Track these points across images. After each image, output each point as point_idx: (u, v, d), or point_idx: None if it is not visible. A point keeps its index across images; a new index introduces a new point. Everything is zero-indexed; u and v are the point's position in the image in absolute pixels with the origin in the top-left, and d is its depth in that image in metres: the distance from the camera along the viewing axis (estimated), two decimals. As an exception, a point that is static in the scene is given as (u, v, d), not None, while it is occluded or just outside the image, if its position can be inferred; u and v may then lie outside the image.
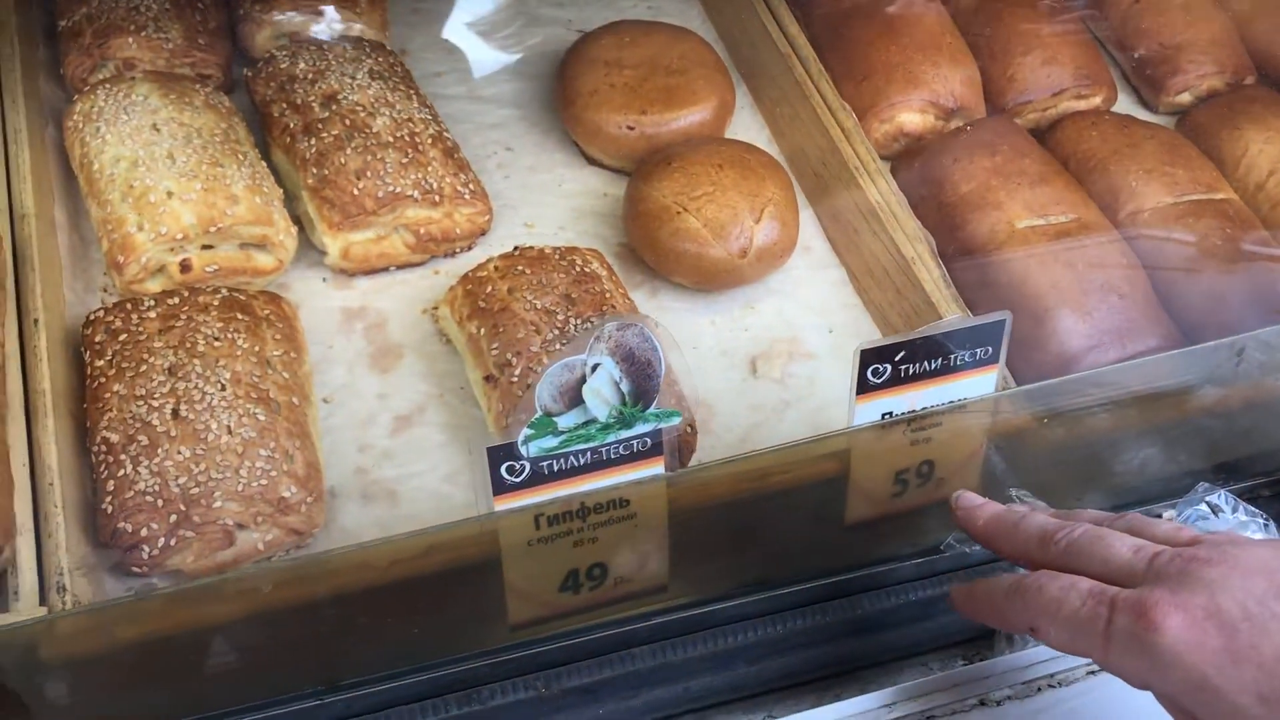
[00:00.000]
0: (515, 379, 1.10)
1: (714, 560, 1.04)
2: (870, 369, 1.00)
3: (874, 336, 1.27)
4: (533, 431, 0.92)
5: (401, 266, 1.27)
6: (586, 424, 0.94)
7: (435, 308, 1.23)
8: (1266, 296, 1.25)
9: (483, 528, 0.95)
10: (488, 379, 1.12)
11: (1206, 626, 0.75)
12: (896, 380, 1.01)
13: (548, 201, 1.36)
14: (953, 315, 1.08)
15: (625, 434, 0.95)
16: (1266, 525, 0.99)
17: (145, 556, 0.98)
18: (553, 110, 1.44)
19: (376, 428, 1.15)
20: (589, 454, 0.95)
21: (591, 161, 1.40)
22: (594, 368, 0.92)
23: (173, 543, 0.98)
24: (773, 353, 1.25)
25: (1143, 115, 1.49)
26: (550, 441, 0.93)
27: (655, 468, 0.98)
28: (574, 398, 0.93)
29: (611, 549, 0.99)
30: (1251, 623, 0.74)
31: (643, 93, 1.36)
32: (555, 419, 0.92)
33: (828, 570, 1.08)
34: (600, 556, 1.00)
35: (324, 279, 1.25)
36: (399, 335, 1.22)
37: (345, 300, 1.24)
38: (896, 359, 1.00)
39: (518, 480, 0.94)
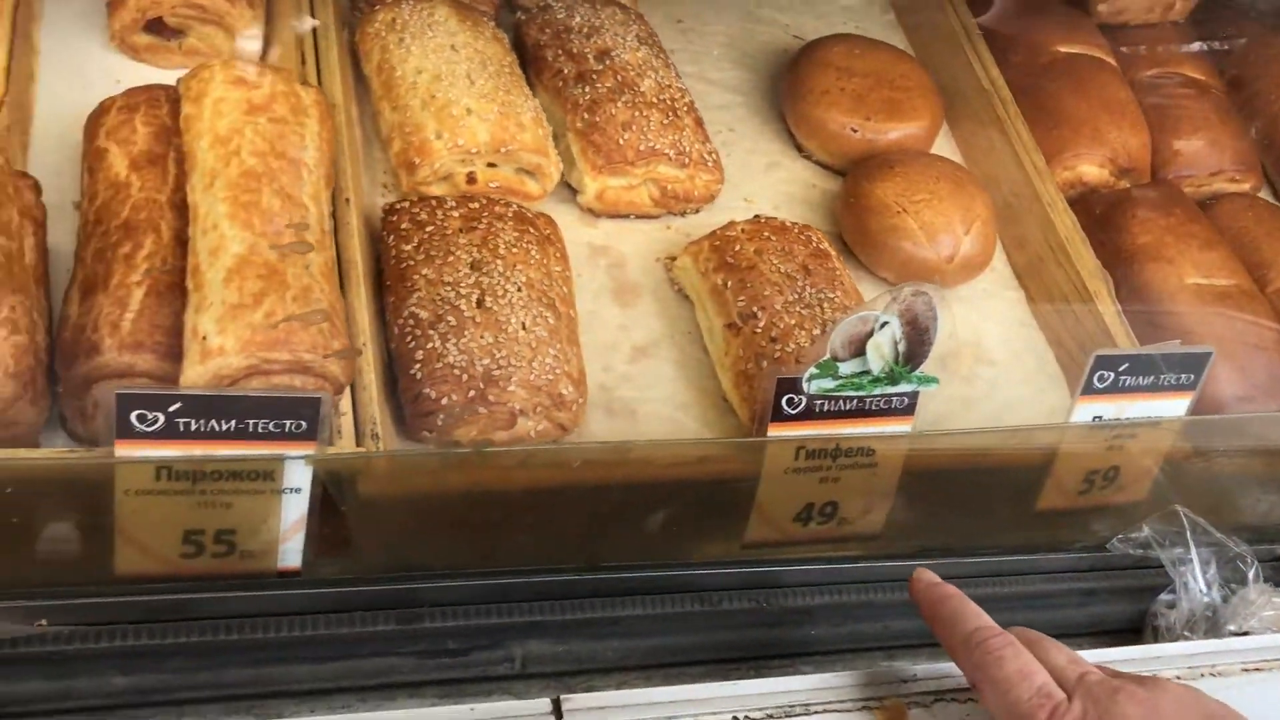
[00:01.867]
0: (759, 329, 1.22)
1: (924, 519, 1.17)
2: (1097, 374, 1.13)
3: (1047, 356, 1.41)
4: (817, 371, 1.05)
5: (640, 216, 1.39)
6: (860, 374, 1.06)
7: (673, 258, 1.34)
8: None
9: (753, 448, 1.07)
10: (729, 326, 1.24)
11: None
12: (1114, 389, 1.15)
13: (764, 184, 1.49)
14: (1171, 341, 1.21)
15: (889, 389, 1.08)
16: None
17: (439, 422, 1.08)
18: (772, 102, 1.57)
19: (617, 354, 1.26)
20: (855, 401, 1.07)
21: (804, 155, 1.53)
22: (883, 325, 1.04)
23: (466, 415, 1.08)
24: (960, 353, 1.38)
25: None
26: (829, 383, 1.05)
27: (904, 425, 1.10)
28: (858, 349, 1.05)
29: (848, 491, 1.12)
30: None
31: (869, 100, 1.49)
32: (838, 364, 1.05)
33: (1011, 548, 1.21)
34: (836, 496, 1.12)
35: (574, 215, 1.36)
36: (637, 276, 1.34)
37: (590, 237, 1.36)
38: (1120, 369, 1.14)
39: (794, 412, 1.06)
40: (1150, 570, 1.20)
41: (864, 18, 1.74)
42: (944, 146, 1.59)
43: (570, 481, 1.04)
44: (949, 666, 0.99)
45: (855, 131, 1.48)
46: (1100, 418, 1.16)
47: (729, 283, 1.25)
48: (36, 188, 1.08)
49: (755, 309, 1.23)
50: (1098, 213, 1.50)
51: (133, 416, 0.87)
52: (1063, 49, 1.65)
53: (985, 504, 1.19)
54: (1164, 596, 1.19)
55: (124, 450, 0.88)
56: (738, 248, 1.28)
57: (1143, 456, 1.21)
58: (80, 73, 1.28)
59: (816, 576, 1.14)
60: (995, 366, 1.38)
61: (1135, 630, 1.22)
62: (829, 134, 1.49)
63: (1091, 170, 1.56)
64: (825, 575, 1.14)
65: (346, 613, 0.99)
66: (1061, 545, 1.22)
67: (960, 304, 1.43)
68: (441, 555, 1.03)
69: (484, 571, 1.03)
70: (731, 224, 1.31)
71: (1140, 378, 1.15)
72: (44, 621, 0.92)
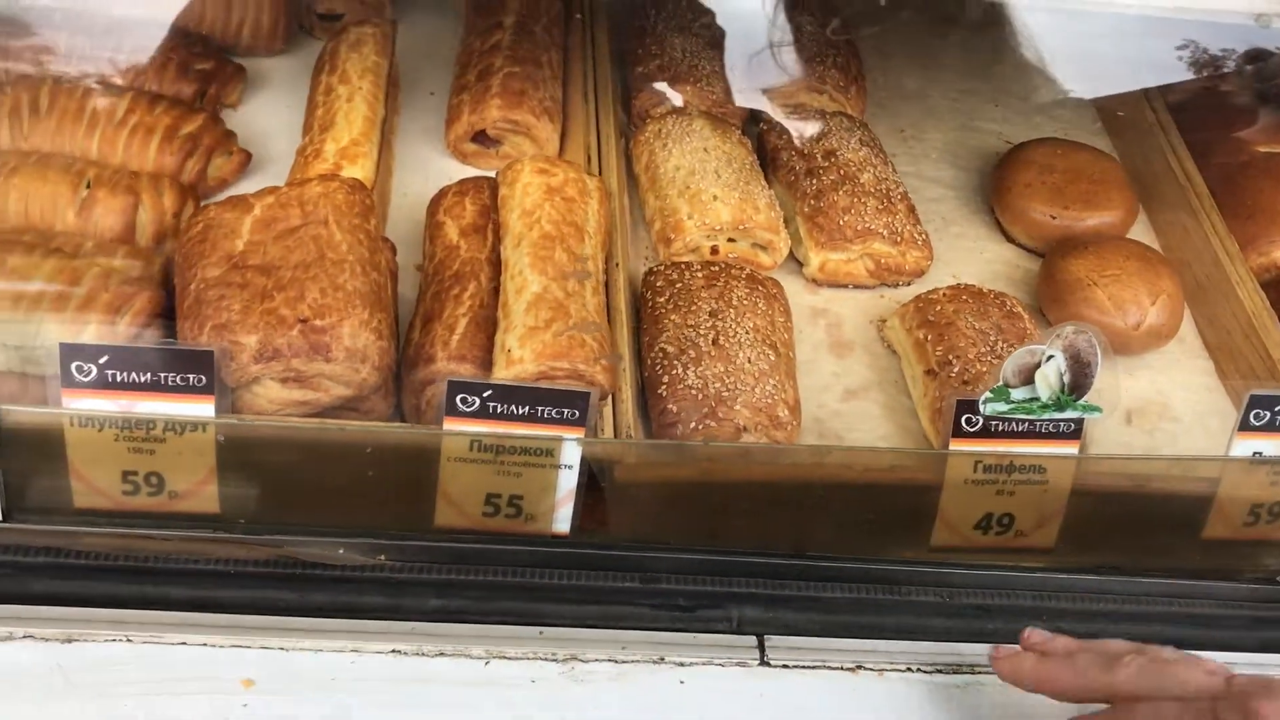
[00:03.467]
0: (953, 375, 1.43)
1: (1094, 538, 1.33)
2: (1253, 412, 1.28)
3: (1231, 418, 1.54)
4: (992, 395, 1.26)
5: (857, 286, 1.64)
6: (1030, 400, 1.26)
7: (884, 320, 1.59)
8: None
9: (936, 459, 1.28)
10: (928, 372, 1.46)
11: None
12: (1271, 427, 1.29)
13: (970, 262, 1.71)
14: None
15: (1056, 415, 1.27)
16: None
17: (678, 432, 1.36)
18: (981, 196, 1.80)
19: (830, 394, 1.50)
20: (1025, 423, 1.27)
21: (1010, 240, 1.75)
22: (1048, 357, 1.25)
23: (699, 427, 1.35)
24: (1147, 410, 1.54)
25: None
26: (1002, 406, 1.26)
27: (1071, 448, 1.29)
28: (1027, 378, 1.25)
29: (1022, 505, 1.30)
30: None
31: (1067, 192, 1.70)
32: (1010, 390, 1.26)
33: (1179, 572, 1.35)
34: (1011, 508, 1.31)
35: (799, 284, 1.63)
36: (851, 334, 1.58)
37: (813, 302, 1.62)
38: (1276, 408, 1.28)
39: (972, 430, 1.27)
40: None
41: (1074, 126, 1.94)
42: (1141, 234, 1.77)
43: (780, 478, 1.29)
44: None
45: (1054, 219, 1.69)
46: (1260, 454, 1.30)
47: (929, 336, 1.48)
48: (393, 248, 1.45)
49: (951, 357, 1.45)
50: (1288, 294, 1.64)
51: (458, 399, 1.20)
52: (1261, 149, 1.81)
53: (1152, 529, 1.34)
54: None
55: (450, 425, 1.20)
56: (938, 308, 1.51)
57: (1309, 494, 1.33)
58: (423, 170, 1.68)
59: (994, 581, 1.32)
60: (1179, 423, 1.53)
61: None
62: (1030, 220, 1.70)
63: (1285, 256, 1.69)
64: (1002, 581, 1.33)
65: (601, 570, 1.26)
66: (1230, 574, 1.35)
67: (1148, 370, 1.59)
68: (675, 532, 1.29)
69: (710, 549, 1.28)
70: (935, 289, 1.54)
71: (1299, 418, 1.29)
72: (383, 557, 1.24)
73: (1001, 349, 1.46)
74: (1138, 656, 1.01)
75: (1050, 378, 1.25)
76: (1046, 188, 1.71)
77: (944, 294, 1.53)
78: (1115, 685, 1.00)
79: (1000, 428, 1.27)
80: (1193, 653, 1.04)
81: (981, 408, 1.26)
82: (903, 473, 1.30)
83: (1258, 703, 0.92)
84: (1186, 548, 1.35)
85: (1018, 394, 1.26)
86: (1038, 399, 1.26)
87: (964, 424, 1.27)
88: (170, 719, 1.03)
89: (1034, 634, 1.10)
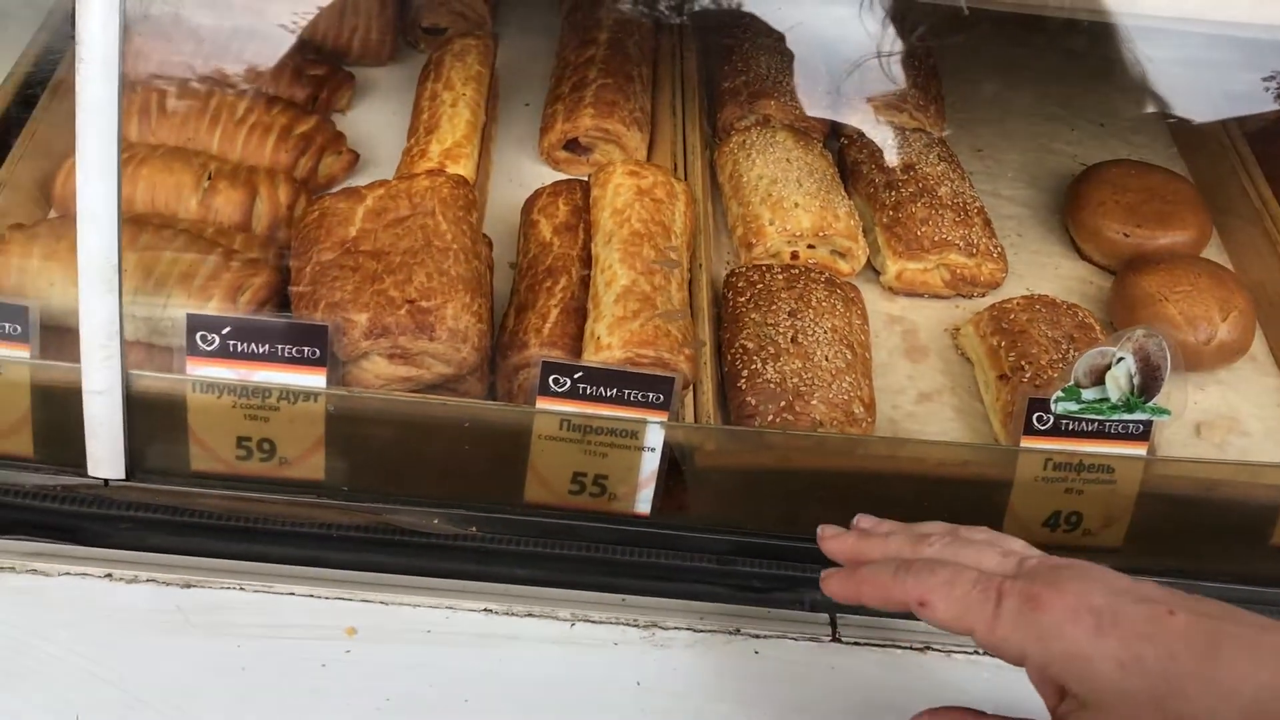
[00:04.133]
0: (1026, 379, 1.48)
1: (1162, 539, 1.37)
2: (1320, 417, 1.31)
3: (1303, 433, 1.57)
4: (1063, 396, 1.30)
5: (932, 296, 1.69)
6: (1100, 401, 1.30)
7: (958, 328, 1.63)
8: None
9: (1007, 455, 1.32)
10: (1001, 377, 1.51)
11: (1079, 608, 0.93)
12: (1339, 434, 1.32)
13: (1044, 277, 1.75)
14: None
15: (1125, 416, 1.31)
16: None
17: (756, 424, 1.41)
18: (1055, 215, 1.85)
19: (905, 396, 1.55)
20: (1095, 424, 1.31)
21: (1083, 257, 1.79)
22: (1119, 360, 1.29)
23: (776, 419, 1.41)
24: (1216, 423, 1.57)
25: None
26: (1072, 406, 1.30)
27: (1140, 450, 1.33)
28: (1097, 379, 1.30)
29: (1090, 503, 1.34)
30: (1111, 609, 0.93)
31: (1140, 211, 1.74)
32: (1081, 391, 1.30)
33: (1245, 577, 1.37)
34: (1080, 507, 1.34)
35: (876, 292, 1.69)
36: (926, 341, 1.63)
37: (889, 309, 1.67)
38: (1344, 416, 1.31)
39: (1042, 428, 1.31)
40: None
41: (1149, 152, 1.98)
42: (1213, 256, 1.79)
43: (855, 468, 1.34)
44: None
45: (1127, 236, 1.73)
46: (1329, 462, 1.33)
47: (1002, 343, 1.53)
48: (490, 244, 1.53)
49: (1024, 363, 1.49)
50: (1362, 314, 1.66)
51: (550, 379, 1.27)
52: (1341, 176, 1.83)
53: (1220, 534, 1.36)
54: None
55: (542, 404, 1.28)
56: (1012, 316, 1.55)
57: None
58: (518, 175, 1.77)
59: (1062, 579, 1.36)
60: (1248, 437, 1.56)
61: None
62: (1104, 238, 1.74)
63: (1359, 279, 1.71)
64: (1070, 579, 1.36)
65: (679, 551, 1.32)
66: (1297, 582, 1.37)
67: (1218, 385, 1.62)
68: (752, 517, 1.34)
69: (786, 535, 1.34)
70: (1009, 298, 1.59)
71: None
72: (474, 528, 1.31)
73: (1073, 357, 1.49)
74: (943, 536, 1.05)
75: (1120, 379, 1.29)
76: (1120, 206, 1.75)
77: (1018, 303, 1.57)
78: (918, 557, 1.04)
79: (1070, 427, 1.31)
80: (1007, 536, 1.06)
81: (1053, 407, 1.30)
82: (974, 468, 1.34)
83: (1040, 588, 0.95)
84: (1254, 554, 1.38)
85: (1088, 394, 1.30)
86: (1107, 400, 1.30)
87: (1035, 422, 1.31)
88: (278, 658, 1.11)
89: (863, 518, 1.15)
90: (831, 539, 1.12)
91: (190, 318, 1.25)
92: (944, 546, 1.04)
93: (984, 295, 1.70)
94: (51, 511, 1.26)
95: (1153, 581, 0.99)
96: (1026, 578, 0.98)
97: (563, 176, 1.75)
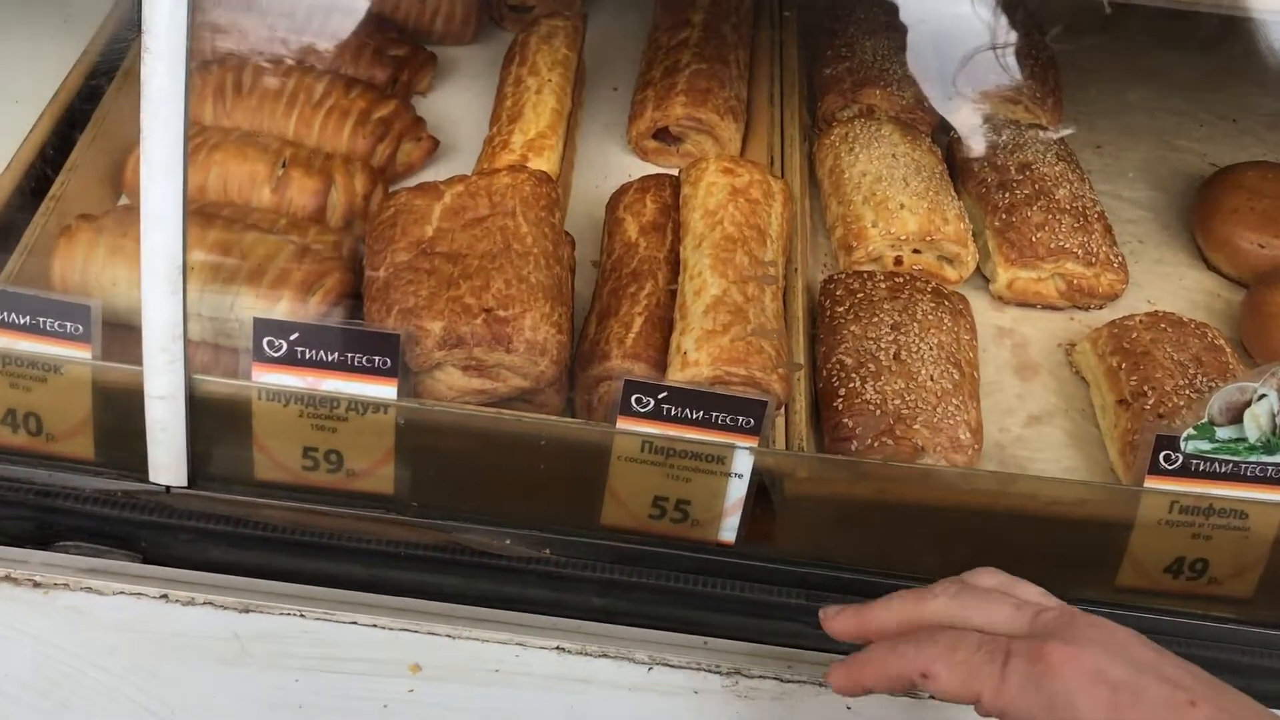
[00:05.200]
0: (1148, 406, 1.36)
1: (1295, 594, 1.25)
2: None
3: None
4: (1195, 433, 1.18)
5: (1046, 306, 1.57)
6: (1237, 440, 1.18)
7: (1073, 344, 1.51)
8: None
9: (1129, 496, 1.21)
10: (1120, 402, 1.39)
11: (1096, 679, 0.85)
12: None
13: (1167, 289, 1.62)
14: None
15: (1265, 458, 1.19)
16: None
17: (852, 448, 1.31)
18: (1181, 220, 1.71)
19: (1013, 418, 1.44)
20: (1230, 465, 1.19)
21: (1211, 268, 1.65)
22: (1260, 396, 1.16)
23: (875, 444, 1.31)
24: (1358, 458, 1.43)
25: None
26: (1205, 445, 1.18)
27: (1277, 494, 1.20)
28: (1235, 416, 1.17)
29: (1219, 550, 1.22)
30: (1131, 687, 0.84)
31: (1278, 220, 1.59)
32: (1215, 429, 1.18)
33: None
34: (1207, 554, 1.23)
35: (985, 301, 1.57)
36: (1038, 357, 1.52)
37: (999, 320, 1.55)
38: None
39: (1170, 468, 1.20)
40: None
41: (1284, 150, 1.83)
42: (1359, 270, 1.65)
43: (959, 503, 1.23)
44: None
45: (1262, 248, 1.59)
46: None
47: (1123, 365, 1.40)
48: (573, 243, 1.45)
49: (1146, 388, 1.37)
50: None
51: (633, 399, 1.18)
52: None
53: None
54: None
55: (623, 425, 1.19)
56: (1134, 335, 1.43)
57: None
58: (604, 166, 1.68)
59: (1182, 630, 1.24)
60: (1396, 474, 1.42)
61: None
62: (1236, 248, 1.60)
63: None
64: (1191, 630, 1.25)
65: (765, 584, 1.23)
66: None
67: (1363, 415, 1.48)
68: (845, 551, 1.25)
69: (881, 571, 1.24)
70: (1131, 315, 1.46)
71: None
72: (548, 551, 1.24)
73: (1201, 383, 1.37)
74: (949, 586, 0.96)
75: (1261, 418, 1.17)
76: (1255, 214, 1.61)
77: (1141, 321, 1.45)
78: (922, 618, 0.94)
79: (1201, 467, 1.19)
80: (1020, 581, 0.96)
81: (1182, 445, 1.18)
82: (1091, 508, 1.23)
83: (1049, 645, 0.86)
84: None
85: (1223, 433, 1.18)
86: (1245, 440, 1.18)
87: (1162, 461, 1.19)
88: (338, 694, 1.05)
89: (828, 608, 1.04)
90: (833, 619, 1.02)
91: (257, 323, 1.18)
92: (950, 599, 0.94)
93: (1101, 308, 1.58)
94: (110, 519, 1.21)
95: (1175, 655, 0.90)
96: (1039, 635, 0.88)
97: (651, 168, 1.66)
